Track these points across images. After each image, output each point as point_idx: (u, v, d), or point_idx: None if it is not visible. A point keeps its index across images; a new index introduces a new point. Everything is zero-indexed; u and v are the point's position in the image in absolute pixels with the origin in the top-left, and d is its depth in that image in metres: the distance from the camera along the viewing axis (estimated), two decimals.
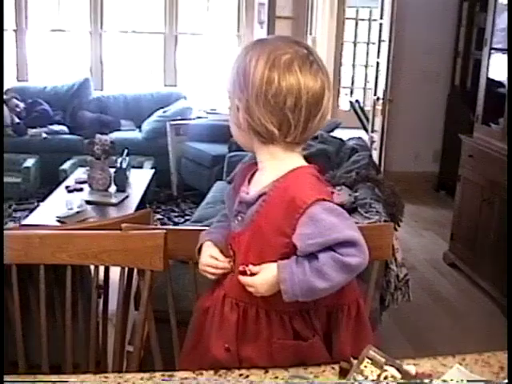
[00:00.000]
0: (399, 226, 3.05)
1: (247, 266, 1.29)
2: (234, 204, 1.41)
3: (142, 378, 1.27)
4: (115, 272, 1.59)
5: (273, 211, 1.28)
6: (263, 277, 1.27)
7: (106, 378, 1.27)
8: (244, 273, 1.30)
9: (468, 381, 1.18)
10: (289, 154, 1.32)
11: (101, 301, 1.71)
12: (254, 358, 1.32)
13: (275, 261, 1.27)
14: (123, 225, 1.56)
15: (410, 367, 1.23)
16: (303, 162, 1.34)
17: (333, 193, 1.87)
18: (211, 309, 1.39)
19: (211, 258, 1.39)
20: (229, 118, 1.37)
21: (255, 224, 1.30)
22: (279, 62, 1.24)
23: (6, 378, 1.24)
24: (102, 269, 1.62)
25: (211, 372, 1.28)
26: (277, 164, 1.32)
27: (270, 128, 1.26)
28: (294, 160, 1.33)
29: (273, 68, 1.24)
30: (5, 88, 6.11)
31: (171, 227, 1.99)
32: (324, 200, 1.25)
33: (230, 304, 1.34)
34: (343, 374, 1.19)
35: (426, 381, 1.07)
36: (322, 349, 1.34)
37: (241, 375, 1.27)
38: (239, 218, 1.36)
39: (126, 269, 1.56)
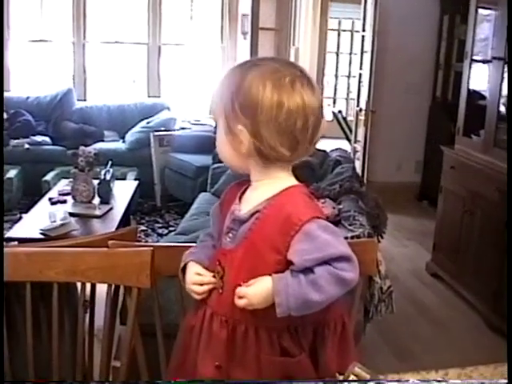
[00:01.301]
0: (382, 237, 3.08)
1: (240, 285, 1.30)
2: (220, 222, 1.42)
3: None
4: (101, 286, 1.59)
5: (267, 228, 1.29)
6: (257, 288, 1.28)
7: None
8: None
9: None
10: (283, 173, 1.34)
11: (87, 315, 1.71)
12: (242, 375, 1.32)
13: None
14: (110, 242, 1.56)
15: None
16: (295, 181, 1.36)
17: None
18: (196, 327, 1.40)
19: (196, 275, 1.40)
20: (217, 140, 1.36)
21: (248, 241, 1.31)
22: (284, 84, 1.25)
23: None
24: (88, 285, 1.62)
25: None
26: (271, 183, 1.33)
27: (281, 150, 1.27)
28: (286, 179, 1.35)
29: (280, 91, 1.25)
30: None
31: (158, 244, 2.00)
32: (318, 218, 1.28)
33: (219, 321, 1.35)
34: None
35: None
36: (309, 365, 1.35)
37: None
38: (231, 234, 1.36)
39: (113, 286, 1.56)
